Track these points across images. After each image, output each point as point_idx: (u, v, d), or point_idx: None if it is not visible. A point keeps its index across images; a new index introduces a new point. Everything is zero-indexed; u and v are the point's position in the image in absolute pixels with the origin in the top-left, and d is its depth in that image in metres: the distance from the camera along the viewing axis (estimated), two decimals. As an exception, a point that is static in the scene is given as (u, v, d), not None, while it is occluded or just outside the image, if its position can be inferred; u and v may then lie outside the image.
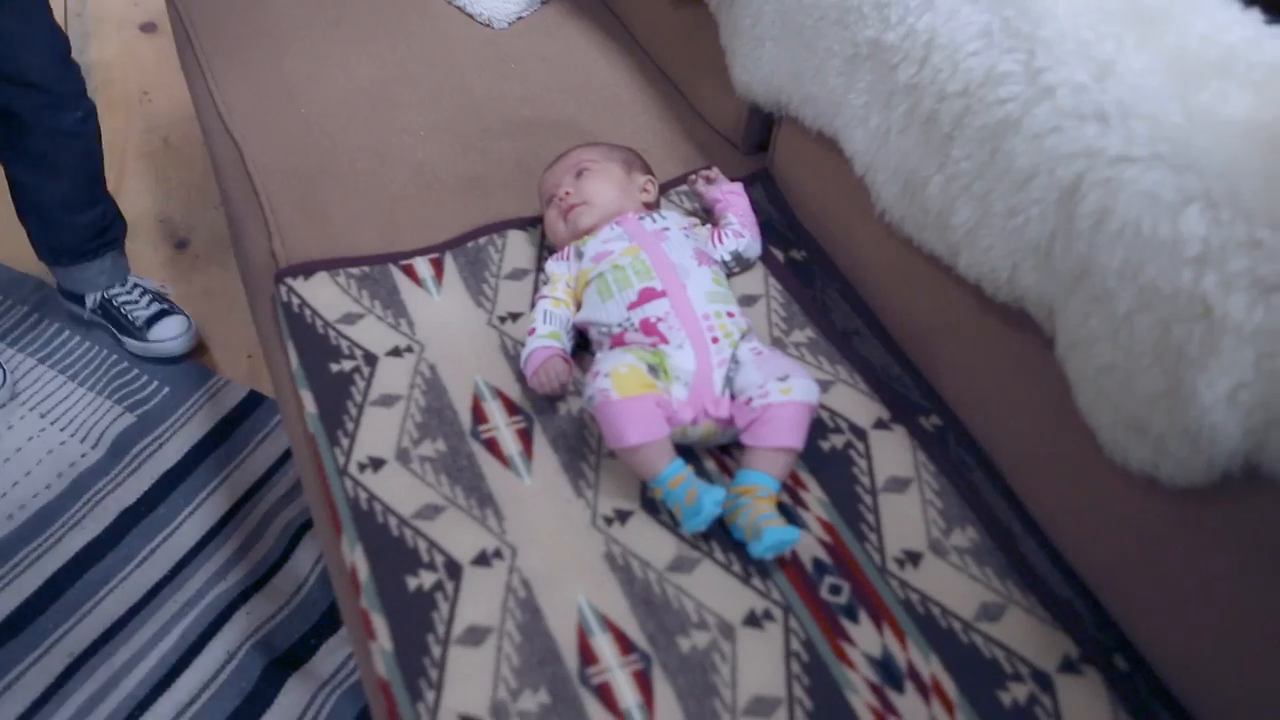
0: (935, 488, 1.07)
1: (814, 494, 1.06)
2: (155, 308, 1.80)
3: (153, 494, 1.59)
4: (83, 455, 1.64)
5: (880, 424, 1.12)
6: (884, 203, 1.14)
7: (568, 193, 1.24)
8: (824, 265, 1.30)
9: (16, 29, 1.45)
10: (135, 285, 1.84)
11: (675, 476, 1.00)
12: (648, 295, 1.12)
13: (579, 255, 1.21)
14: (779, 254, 1.31)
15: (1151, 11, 0.92)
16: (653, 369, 1.05)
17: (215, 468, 1.63)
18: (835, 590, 0.99)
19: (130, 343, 1.81)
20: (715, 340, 1.09)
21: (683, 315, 1.10)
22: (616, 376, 1.01)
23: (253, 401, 1.73)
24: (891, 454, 1.10)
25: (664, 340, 1.08)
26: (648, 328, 1.10)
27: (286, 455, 1.65)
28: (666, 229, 1.20)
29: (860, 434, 1.11)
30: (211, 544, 1.53)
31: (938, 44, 1.02)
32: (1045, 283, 0.94)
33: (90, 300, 1.81)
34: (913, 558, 1.01)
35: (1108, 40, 0.90)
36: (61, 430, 1.67)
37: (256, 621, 1.44)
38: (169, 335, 1.79)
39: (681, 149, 1.47)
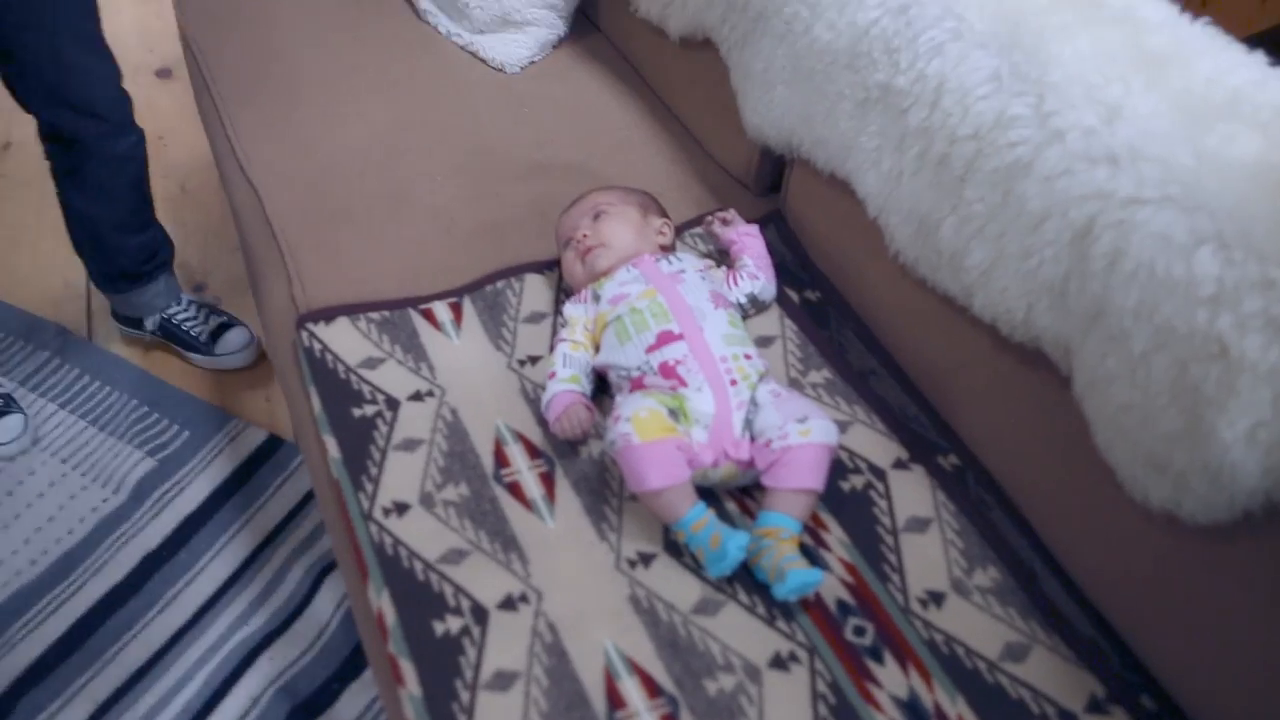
0: (956, 527, 1.07)
1: (835, 535, 1.07)
2: (215, 321, 1.88)
3: (174, 539, 1.60)
4: (104, 500, 1.65)
5: (899, 464, 1.13)
6: (898, 244, 1.15)
7: (585, 235, 1.25)
8: (838, 306, 1.31)
9: (88, 63, 1.54)
10: (191, 302, 1.90)
11: (698, 520, 1.01)
12: (665, 338, 1.13)
13: (596, 298, 1.23)
14: (794, 295, 1.32)
15: (1157, 55, 0.94)
16: (673, 412, 1.06)
17: (236, 512, 1.64)
18: (859, 631, 0.99)
19: (197, 358, 1.88)
20: (734, 382, 1.10)
21: (701, 358, 1.11)
22: (637, 421, 1.02)
23: (272, 445, 1.74)
24: (911, 494, 1.10)
25: (683, 383, 1.09)
26: (666, 371, 1.11)
27: (306, 499, 1.66)
28: (683, 271, 1.22)
29: (879, 474, 1.12)
30: (233, 589, 1.54)
31: (948, 88, 1.04)
32: (1061, 323, 0.95)
33: (150, 322, 1.87)
34: (935, 598, 1.02)
35: (1115, 84, 0.92)
36: (83, 475, 1.69)
37: (280, 666, 1.45)
38: (236, 346, 1.87)
39: (694, 191, 1.48)
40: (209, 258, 2.10)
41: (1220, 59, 0.92)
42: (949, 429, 1.17)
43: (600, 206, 1.28)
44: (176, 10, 1.85)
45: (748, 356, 1.14)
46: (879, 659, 0.97)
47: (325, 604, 1.52)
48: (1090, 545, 1.01)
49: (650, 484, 1.01)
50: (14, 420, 1.73)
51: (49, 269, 2.09)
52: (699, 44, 1.50)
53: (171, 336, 1.87)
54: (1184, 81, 0.90)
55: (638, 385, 1.12)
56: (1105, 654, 0.97)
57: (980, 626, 1.00)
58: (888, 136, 1.13)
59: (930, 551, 1.06)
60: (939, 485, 1.11)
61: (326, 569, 1.56)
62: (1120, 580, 0.98)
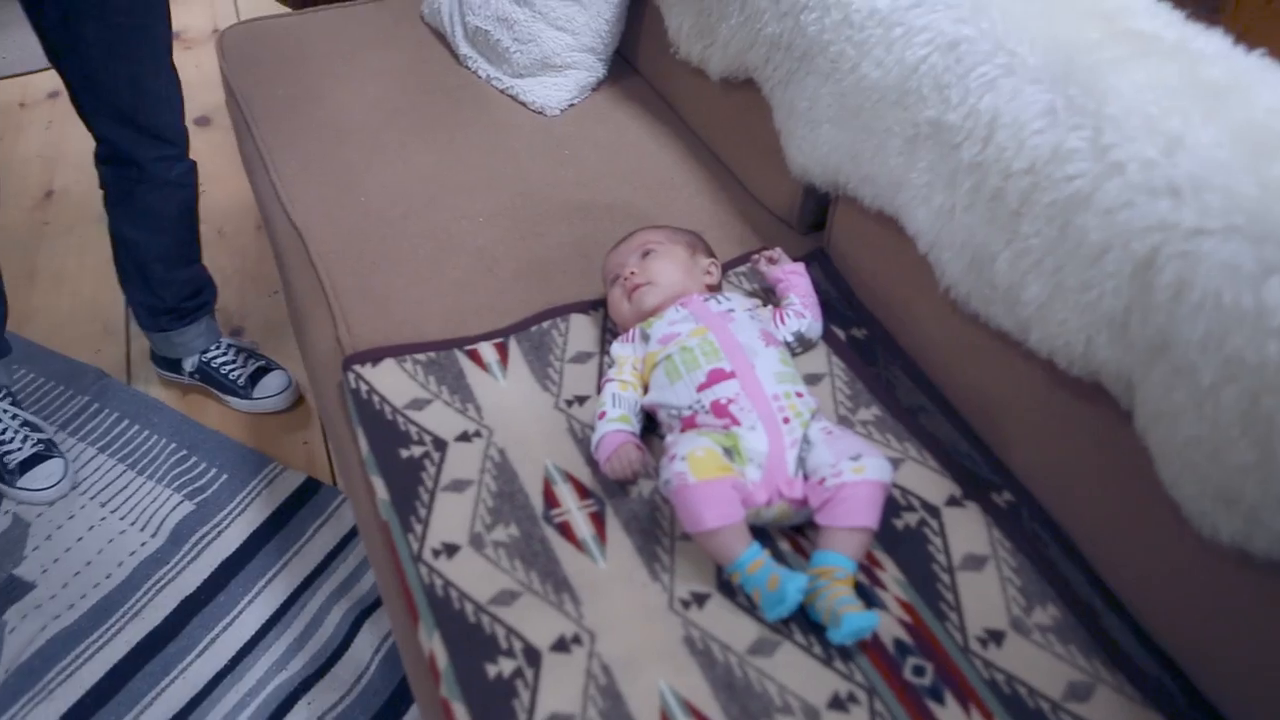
0: (1013, 565, 1.05)
1: (891, 573, 1.05)
2: (253, 365, 1.89)
3: (212, 582, 1.60)
4: (142, 544, 1.65)
5: (953, 501, 1.12)
6: (949, 279, 1.15)
7: (633, 273, 1.25)
8: (886, 343, 1.30)
9: (162, 91, 1.59)
10: (229, 345, 1.92)
11: (754, 561, 1.00)
12: (716, 376, 1.12)
13: (645, 337, 1.22)
14: (840, 332, 1.32)
15: (1215, 87, 0.93)
16: (727, 451, 1.05)
17: (274, 555, 1.64)
18: (919, 671, 0.97)
19: (235, 402, 1.89)
20: (786, 420, 1.09)
21: (753, 396, 1.10)
22: (693, 460, 1.01)
23: (310, 488, 1.74)
24: (966, 531, 1.09)
25: (736, 422, 1.08)
26: (719, 410, 1.10)
27: (345, 541, 1.65)
28: (732, 310, 1.21)
29: (933, 511, 1.11)
30: (272, 632, 1.53)
31: (1001, 123, 1.04)
32: (1123, 356, 0.94)
33: (189, 364, 1.89)
34: (995, 637, 1.00)
35: (1174, 116, 0.91)
36: (121, 519, 1.69)
37: (319, 711, 1.43)
38: (274, 390, 1.88)
39: (737, 230, 1.49)
40: (246, 301, 2.11)
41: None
42: (1001, 466, 1.16)
43: (648, 245, 1.28)
44: (220, 58, 1.87)
45: (799, 394, 1.13)
46: (939, 699, 0.95)
47: (365, 647, 1.50)
48: (1154, 582, 0.99)
49: (706, 524, 1.00)
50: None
51: (89, 314, 2.12)
52: (740, 84, 1.51)
53: (210, 380, 1.88)
54: (1244, 112, 0.90)
55: (689, 424, 1.11)
56: (1171, 693, 0.95)
57: (1042, 665, 0.97)
58: (938, 172, 1.13)
59: (988, 589, 1.04)
60: (994, 522, 1.09)
61: (366, 611, 1.55)
62: (1186, 617, 0.96)
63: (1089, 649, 0.98)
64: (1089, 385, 1.01)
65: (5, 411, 1.77)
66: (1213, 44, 0.99)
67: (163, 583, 1.59)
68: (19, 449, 1.73)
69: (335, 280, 1.41)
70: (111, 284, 2.14)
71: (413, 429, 1.21)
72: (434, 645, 1.00)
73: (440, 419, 1.22)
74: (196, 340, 1.86)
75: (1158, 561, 0.97)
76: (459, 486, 1.14)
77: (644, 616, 1.02)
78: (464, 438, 1.20)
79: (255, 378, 1.87)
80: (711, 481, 1.01)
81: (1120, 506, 1.01)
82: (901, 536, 1.08)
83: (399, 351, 1.29)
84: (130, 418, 1.86)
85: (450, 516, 1.11)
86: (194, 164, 1.71)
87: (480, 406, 1.23)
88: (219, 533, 1.66)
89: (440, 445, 1.19)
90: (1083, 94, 0.98)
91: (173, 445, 1.81)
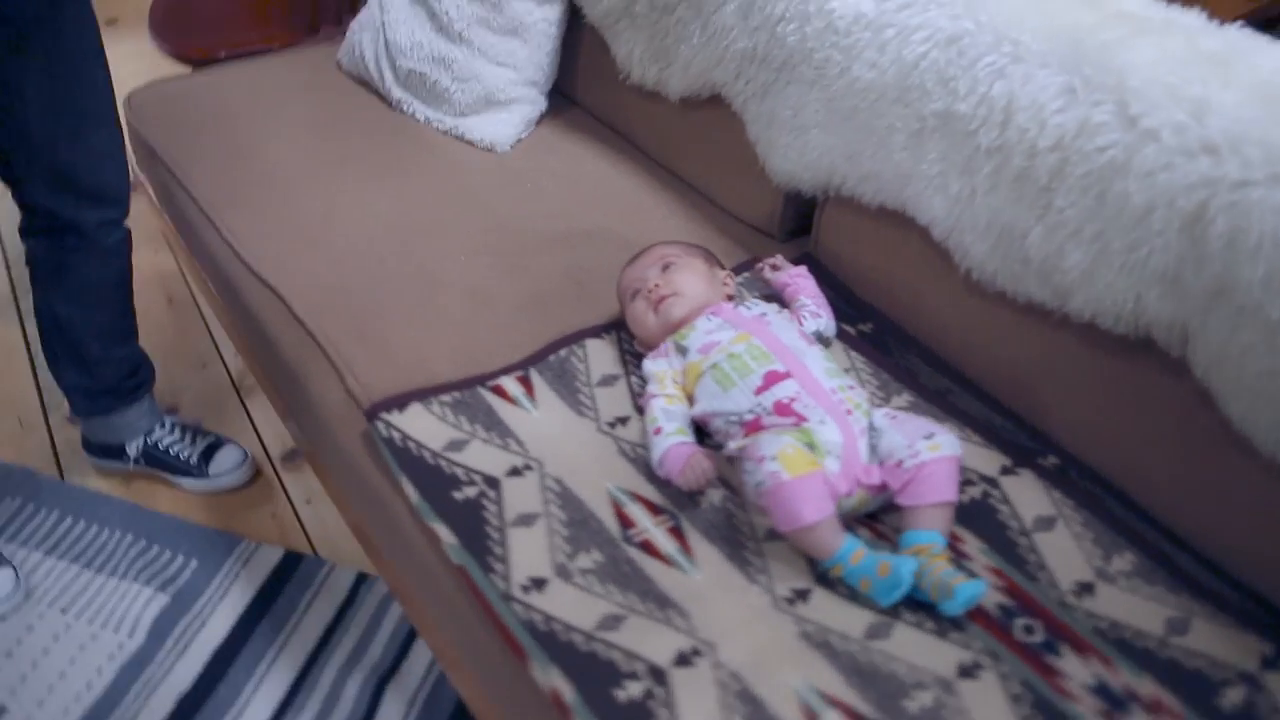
0: (1080, 520, 1.11)
1: (972, 544, 1.09)
2: (203, 442, 1.78)
3: (209, 675, 1.48)
4: (120, 645, 1.52)
5: (1006, 470, 1.16)
6: (971, 261, 1.20)
7: (657, 285, 1.26)
8: (895, 334, 1.35)
9: (105, 145, 1.47)
10: (173, 424, 1.79)
11: (855, 551, 1.01)
12: (773, 378, 1.14)
13: (681, 349, 1.23)
14: (849, 329, 1.36)
15: (1218, 55, 1.02)
16: (808, 447, 1.07)
17: (269, 636, 1.54)
18: (1029, 630, 1.00)
19: (189, 483, 1.77)
20: (849, 412, 1.12)
21: (813, 393, 1.12)
22: (784, 458, 1.02)
23: (290, 561, 1.64)
24: (1028, 496, 1.14)
25: (804, 419, 1.10)
26: (782, 409, 1.11)
27: (342, 611, 1.57)
28: (764, 314, 1.23)
29: (992, 482, 1.15)
30: (287, 716, 1.43)
31: (1018, 107, 1.10)
32: (1176, 307, 1.01)
33: (132, 449, 1.76)
34: (1085, 588, 1.04)
35: (1194, 83, 0.99)
36: (90, 623, 1.55)
37: (358, 789, 1.36)
38: (232, 465, 1.78)
39: (718, 244, 1.51)
40: (175, 378, 1.98)
41: (1274, 53, 1.01)
42: (1038, 432, 1.21)
43: (668, 258, 1.29)
44: (130, 120, 1.76)
45: (851, 387, 1.16)
46: (1056, 653, 0.98)
47: (393, 713, 1.43)
48: (1221, 519, 1.06)
49: (805, 519, 1.01)
50: (3, 576, 1.57)
51: (1, 409, 1.94)
52: (702, 102, 1.54)
53: (157, 462, 1.75)
54: (1253, 75, 0.99)
55: (754, 427, 1.12)
56: (1257, 615, 1.02)
57: (1136, 608, 1.02)
58: (952, 160, 1.19)
59: (1064, 546, 1.08)
60: (1052, 484, 1.15)
61: (385, 677, 1.47)
62: (1262, 547, 1.03)
63: (1173, 586, 1.04)
64: (1131, 342, 1.08)
65: None
66: (1196, 20, 1.09)
67: (152, 684, 1.47)
68: None
69: (328, 332, 1.35)
70: (17, 374, 1.99)
71: (459, 470, 1.17)
72: (554, 680, 0.97)
73: (484, 457, 1.19)
74: (140, 421, 1.74)
75: (1223, 500, 1.04)
76: (527, 521, 1.11)
77: (754, 619, 1.02)
78: (515, 473, 1.17)
79: (207, 455, 1.76)
80: (805, 477, 1.02)
81: (1176, 451, 1.08)
82: (970, 509, 1.12)
83: (423, 395, 1.25)
84: (73, 514, 1.71)
85: (528, 551, 1.08)
86: (129, 229, 1.59)
87: (521, 440, 1.21)
88: (203, 622, 1.55)
89: (493, 483, 1.15)
90: (1098, 72, 1.05)
91: (129, 537, 1.67)
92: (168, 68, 2.26)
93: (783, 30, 1.34)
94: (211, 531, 1.69)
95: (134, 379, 1.72)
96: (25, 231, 1.53)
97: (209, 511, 1.74)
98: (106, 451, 1.77)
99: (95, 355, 1.65)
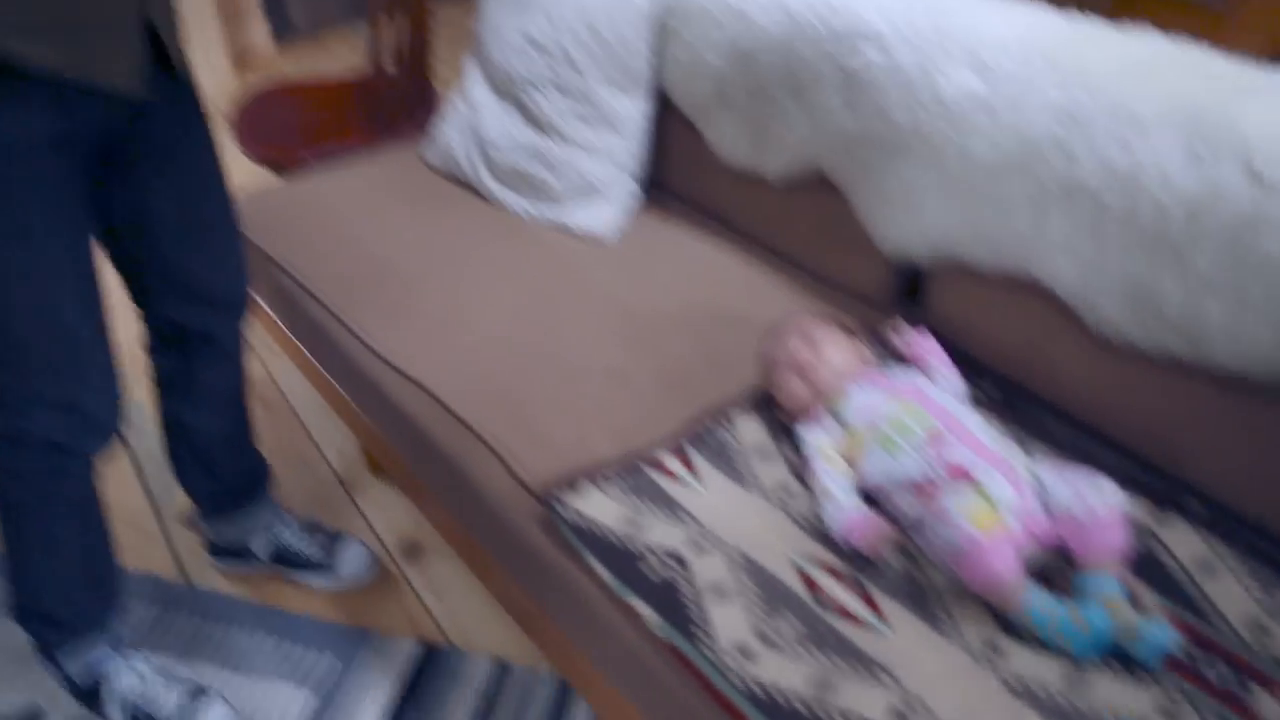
0: (1236, 559, 1.17)
1: (1143, 592, 1.15)
2: (324, 538, 1.81)
3: (369, 766, 1.51)
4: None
5: (1157, 518, 1.23)
6: (1102, 318, 1.28)
7: (808, 357, 1.33)
8: (1020, 394, 1.42)
9: (231, 255, 1.51)
10: (294, 522, 1.82)
11: (1045, 604, 1.07)
12: (938, 442, 1.20)
13: (838, 419, 1.29)
14: (972, 389, 1.43)
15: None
16: (988, 503, 1.13)
17: (421, 727, 1.57)
18: (1216, 670, 1.06)
19: (316, 581, 1.80)
20: (1014, 468, 1.18)
21: (980, 452, 1.19)
22: (975, 519, 1.09)
23: (429, 654, 1.68)
24: (1183, 541, 1.20)
25: (975, 478, 1.17)
26: (954, 471, 1.18)
27: (491, 701, 1.60)
28: (914, 379, 1.30)
29: (1147, 532, 1.21)
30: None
31: (1142, 170, 1.19)
32: (1327, 355, 1.09)
33: (259, 547, 1.79)
34: (1261, 629, 1.10)
35: (1315, 142, 1.09)
36: (245, 723, 1.57)
37: None
38: (360, 562, 1.81)
39: (832, 316, 1.58)
40: (282, 480, 2.01)
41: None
42: (1177, 480, 1.28)
43: (810, 329, 1.36)
44: (261, 243, 1.81)
45: (1008, 443, 1.23)
46: (1247, 690, 1.04)
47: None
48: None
49: (1001, 576, 1.07)
50: (218, 711, 1.58)
51: (118, 520, 1.96)
52: (804, 181, 1.62)
53: (285, 560, 1.79)
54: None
55: (926, 490, 1.19)
56: None
57: (1312, 643, 1.09)
58: (1078, 225, 1.27)
59: (1231, 588, 1.15)
60: (1201, 529, 1.21)
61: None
62: None
63: (1342, 618, 1.11)
64: (1276, 388, 1.16)
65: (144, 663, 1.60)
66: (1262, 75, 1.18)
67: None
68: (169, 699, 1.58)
69: (483, 421, 1.41)
70: (124, 483, 2.02)
71: (642, 548, 1.22)
72: (785, 746, 1.02)
73: (665, 533, 1.24)
74: (265, 519, 1.78)
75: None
76: (721, 593, 1.17)
77: (956, 673, 1.07)
78: (698, 549, 1.22)
79: (331, 551, 1.80)
80: (996, 535, 1.08)
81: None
82: (1135, 558, 1.18)
83: (591, 475, 1.31)
84: (206, 617, 1.74)
85: (729, 623, 1.13)
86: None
87: (696, 517, 1.26)
88: (353, 717, 1.58)
89: (679, 559, 1.21)
90: (1216, 132, 1.14)
91: (273, 639, 1.70)
92: (250, 170, 2.34)
93: (891, 112, 1.43)
94: (345, 628, 1.72)
95: (256, 478, 1.76)
96: (155, 350, 1.57)
97: (337, 608, 1.78)
98: (233, 553, 1.80)
99: (220, 458, 1.69)
